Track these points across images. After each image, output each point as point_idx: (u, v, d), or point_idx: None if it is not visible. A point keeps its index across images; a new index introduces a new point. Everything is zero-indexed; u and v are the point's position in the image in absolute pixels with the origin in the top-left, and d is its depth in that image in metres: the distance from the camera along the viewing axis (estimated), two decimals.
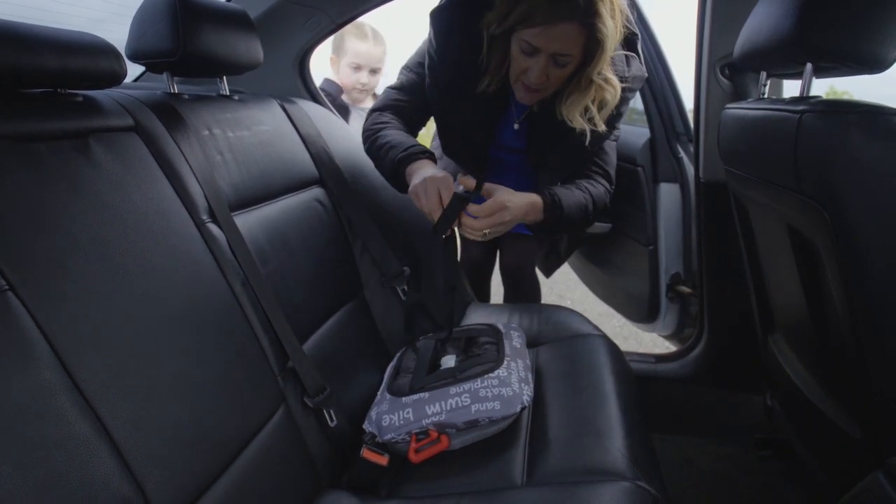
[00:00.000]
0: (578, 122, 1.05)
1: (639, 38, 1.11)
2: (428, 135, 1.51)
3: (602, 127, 1.06)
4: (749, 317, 1.25)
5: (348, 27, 1.48)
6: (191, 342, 0.69)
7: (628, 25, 1.05)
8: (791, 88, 1.24)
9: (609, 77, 1.02)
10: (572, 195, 1.10)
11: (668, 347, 1.88)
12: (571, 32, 0.94)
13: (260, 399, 0.78)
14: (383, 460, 0.85)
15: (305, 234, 1.05)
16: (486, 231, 0.98)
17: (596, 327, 1.21)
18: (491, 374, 0.89)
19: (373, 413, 0.90)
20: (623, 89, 1.06)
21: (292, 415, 0.83)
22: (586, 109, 1.05)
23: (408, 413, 0.86)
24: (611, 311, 1.93)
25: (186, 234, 0.77)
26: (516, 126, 1.21)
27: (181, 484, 0.61)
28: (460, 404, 0.85)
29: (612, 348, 1.13)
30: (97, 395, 0.55)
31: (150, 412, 0.60)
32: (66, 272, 0.58)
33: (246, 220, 0.91)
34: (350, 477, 0.87)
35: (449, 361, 0.98)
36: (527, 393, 0.89)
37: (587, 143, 1.09)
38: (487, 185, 1.01)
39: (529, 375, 0.96)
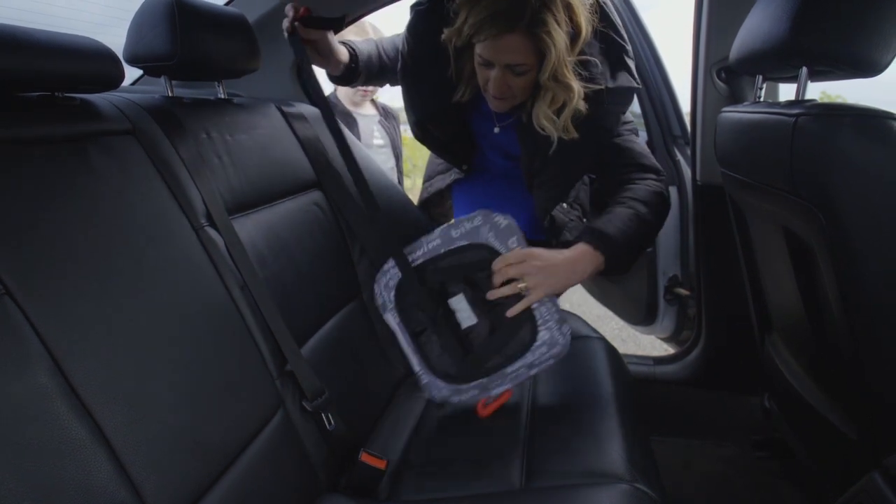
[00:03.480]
0: (550, 130, 1.03)
1: (626, 50, 1.06)
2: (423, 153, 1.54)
3: (573, 133, 1.02)
4: (746, 319, 1.26)
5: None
6: (188, 346, 0.69)
7: (613, 35, 1.04)
8: (787, 92, 1.25)
9: (566, 81, 0.97)
10: (616, 216, 1.00)
11: (666, 349, 1.88)
12: (518, 43, 0.93)
13: (258, 403, 0.78)
14: (381, 464, 0.85)
15: (304, 237, 1.05)
16: (521, 286, 0.92)
17: (594, 330, 1.21)
18: (536, 343, 0.93)
19: (435, 395, 0.98)
20: (606, 102, 1.03)
21: (290, 418, 0.82)
22: (556, 115, 1.02)
23: (473, 393, 0.95)
24: (609, 313, 1.93)
25: (184, 238, 0.77)
26: (497, 130, 1.21)
27: (179, 488, 0.60)
28: (521, 375, 0.94)
29: (611, 351, 1.13)
30: (94, 399, 0.55)
31: (147, 416, 0.60)
32: (63, 276, 0.58)
33: (244, 224, 0.91)
34: (349, 480, 0.87)
35: (461, 305, 0.97)
36: (567, 330, 0.93)
37: (577, 160, 1.09)
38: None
39: (557, 306, 0.94)
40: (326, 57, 1.15)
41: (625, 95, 1.07)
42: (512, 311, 0.93)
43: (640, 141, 1.15)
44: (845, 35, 0.72)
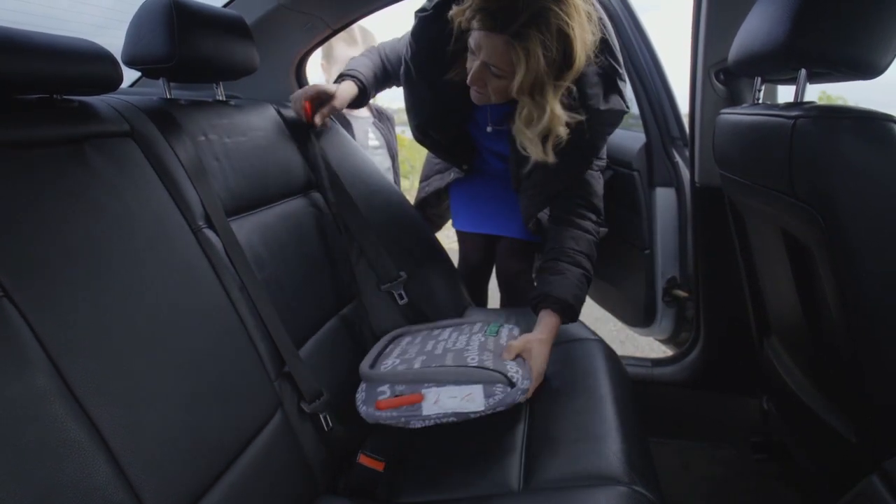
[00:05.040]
0: (530, 150, 1.03)
1: (619, 74, 1.08)
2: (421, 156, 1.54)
3: (551, 158, 1.03)
4: (745, 320, 1.26)
5: None
6: (187, 348, 0.69)
7: (608, 59, 1.05)
8: (785, 94, 1.25)
9: (541, 102, 0.97)
10: (566, 279, 1.07)
11: (664, 351, 1.88)
12: (498, 46, 0.93)
13: (256, 404, 0.77)
14: (380, 465, 0.85)
15: (302, 239, 1.05)
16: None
17: (592, 331, 1.21)
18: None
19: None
20: (596, 123, 1.05)
21: (289, 420, 0.82)
22: (543, 140, 1.01)
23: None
24: (607, 315, 1.93)
25: (182, 239, 0.77)
26: (489, 129, 1.22)
27: (177, 490, 0.60)
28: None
29: (609, 352, 1.13)
30: (92, 401, 0.55)
31: (145, 418, 0.60)
32: (61, 278, 0.58)
33: (242, 226, 0.91)
34: (347, 482, 0.87)
35: None
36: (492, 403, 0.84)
37: (562, 171, 1.09)
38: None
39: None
40: (342, 107, 1.27)
41: (615, 117, 1.11)
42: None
43: (601, 181, 1.21)
44: (844, 37, 0.72)
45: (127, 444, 0.56)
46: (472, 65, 1.01)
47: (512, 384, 0.83)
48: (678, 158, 1.48)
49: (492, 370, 0.85)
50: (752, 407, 1.40)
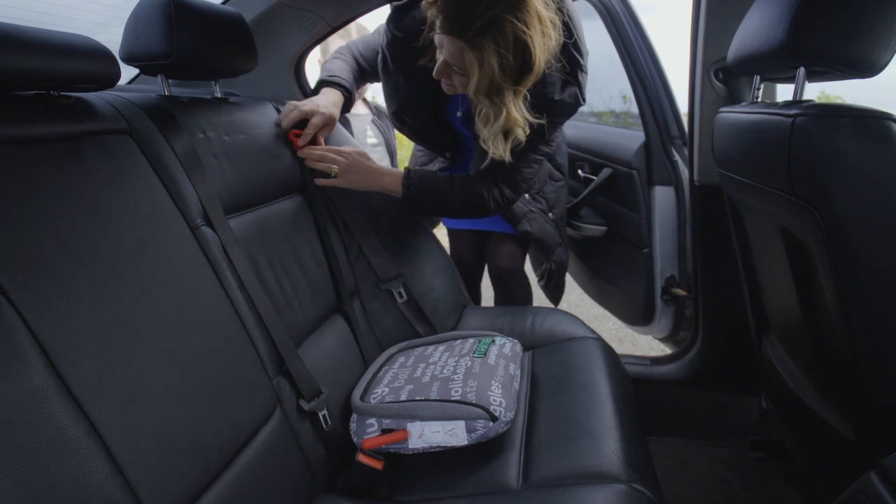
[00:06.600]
0: (489, 149, 1.05)
1: (580, 65, 1.10)
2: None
3: (508, 157, 1.06)
4: (744, 319, 1.26)
5: None
6: (184, 346, 0.68)
7: (574, 53, 1.06)
8: (784, 92, 1.25)
9: (498, 103, 0.99)
10: (439, 178, 1.16)
11: (663, 350, 1.89)
12: (456, 48, 0.95)
13: (255, 403, 0.77)
14: (379, 464, 0.85)
15: (300, 237, 1.05)
16: (334, 168, 1.10)
17: (591, 330, 1.21)
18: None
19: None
20: (549, 112, 1.06)
21: (288, 419, 0.82)
22: (502, 141, 1.04)
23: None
24: (606, 313, 1.94)
25: (180, 237, 0.77)
26: (459, 114, 1.25)
27: (175, 489, 0.60)
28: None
29: (608, 351, 1.13)
30: (89, 399, 0.55)
31: (143, 417, 0.59)
32: (58, 276, 0.58)
33: (240, 223, 0.91)
34: (346, 481, 0.87)
35: None
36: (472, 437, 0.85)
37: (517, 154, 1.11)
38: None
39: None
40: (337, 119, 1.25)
41: (567, 109, 1.12)
42: (308, 161, 1.10)
43: (536, 167, 1.19)
44: (843, 35, 0.72)
45: (124, 443, 0.56)
46: (439, 59, 1.02)
47: (494, 418, 0.84)
48: (677, 157, 1.48)
49: (474, 405, 0.85)
50: (751, 405, 1.40)
